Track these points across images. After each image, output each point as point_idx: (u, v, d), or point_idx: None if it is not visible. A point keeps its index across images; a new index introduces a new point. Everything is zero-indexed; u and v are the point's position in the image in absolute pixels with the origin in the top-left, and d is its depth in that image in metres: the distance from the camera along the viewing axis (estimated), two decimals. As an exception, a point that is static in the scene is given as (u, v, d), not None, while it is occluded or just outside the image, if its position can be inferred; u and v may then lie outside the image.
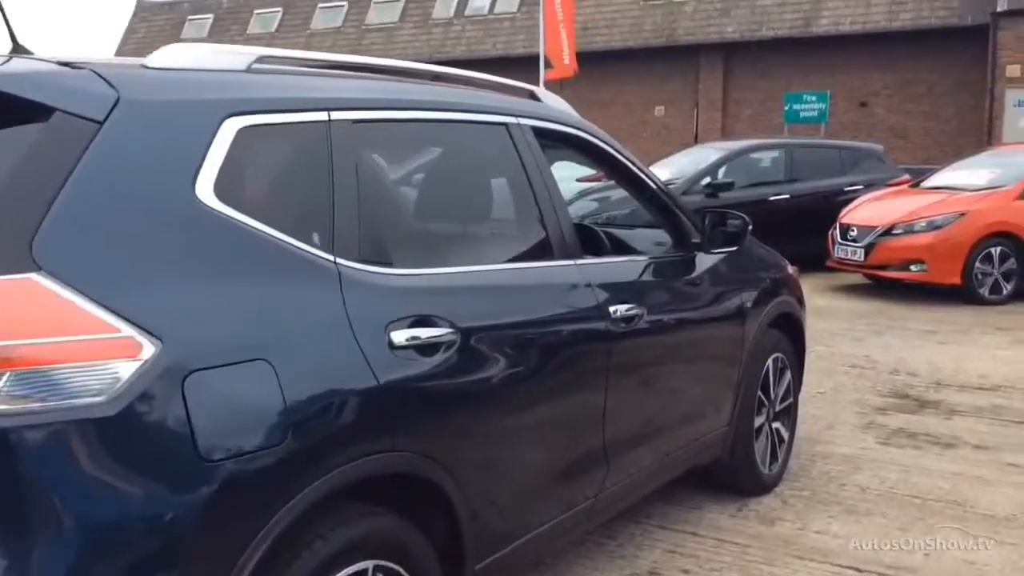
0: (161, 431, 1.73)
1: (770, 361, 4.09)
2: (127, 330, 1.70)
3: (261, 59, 2.26)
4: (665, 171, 11.86)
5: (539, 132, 2.98)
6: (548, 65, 15.78)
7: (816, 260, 10.44)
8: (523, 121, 2.92)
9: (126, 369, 1.68)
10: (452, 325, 2.33)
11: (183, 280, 1.85)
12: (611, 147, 3.34)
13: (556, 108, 3.23)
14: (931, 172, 11.23)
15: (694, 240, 3.60)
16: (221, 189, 1.96)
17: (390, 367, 2.14)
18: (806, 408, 5.28)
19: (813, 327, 7.82)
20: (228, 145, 2.00)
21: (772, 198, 11.36)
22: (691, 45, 25.41)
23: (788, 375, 4.30)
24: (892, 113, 23.63)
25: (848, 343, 7.47)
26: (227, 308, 1.89)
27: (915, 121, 23.43)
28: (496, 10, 28.54)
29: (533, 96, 3.23)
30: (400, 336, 2.18)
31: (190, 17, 33.57)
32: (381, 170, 2.68)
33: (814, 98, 19.27)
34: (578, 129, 3.23)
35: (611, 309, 2.95)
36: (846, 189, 11.54)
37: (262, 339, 1.91)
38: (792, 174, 11.74)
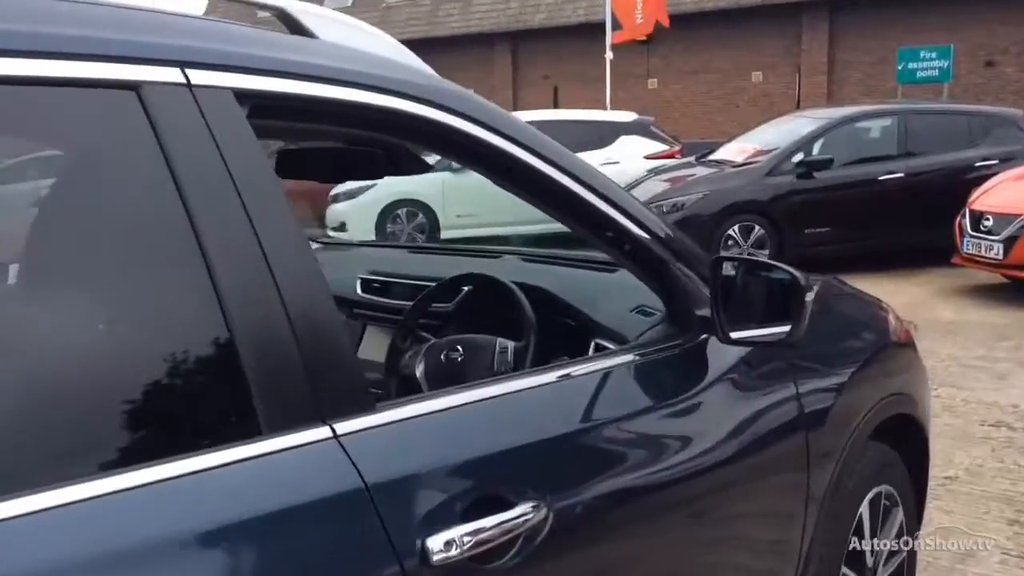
0: None
1: (866, 505, 2.27)
2: None
3: None
4: (749, 146, 10.05)
5: (269, 104, 1.23)
6: (616, 26, 13.85)
7: (939, 255, 8.52)
8: (207, 77, 1.16)
9: None
10: None
11: None
12: (498, 131, 1.51)
13: (345, 52, 1.41)
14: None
15: (698, 313, 1.78)
16: None
17: None
18: (927, 511, 3.42)
19: (936, 354, 5.88)
20: None
21: (882, 177, 9.32)
22: (792, 3, 23.38)
23: (899, 514, 2.48)
24: (1023, 73, 21.17)
25: (986, 382, 5.47)
26: None
27: (1050, 82, 20.96)
28: (578, -26, 26.89)
29: (292, 23, 1.45)
30: None
31: None
32: None
33: (934, 54, 16.56)
34: (412, 99, 1.40)
35: (429, 543, 1.18)
36: (977, 165, 9.34)
37: None
38: (907, 147, 9.58)
